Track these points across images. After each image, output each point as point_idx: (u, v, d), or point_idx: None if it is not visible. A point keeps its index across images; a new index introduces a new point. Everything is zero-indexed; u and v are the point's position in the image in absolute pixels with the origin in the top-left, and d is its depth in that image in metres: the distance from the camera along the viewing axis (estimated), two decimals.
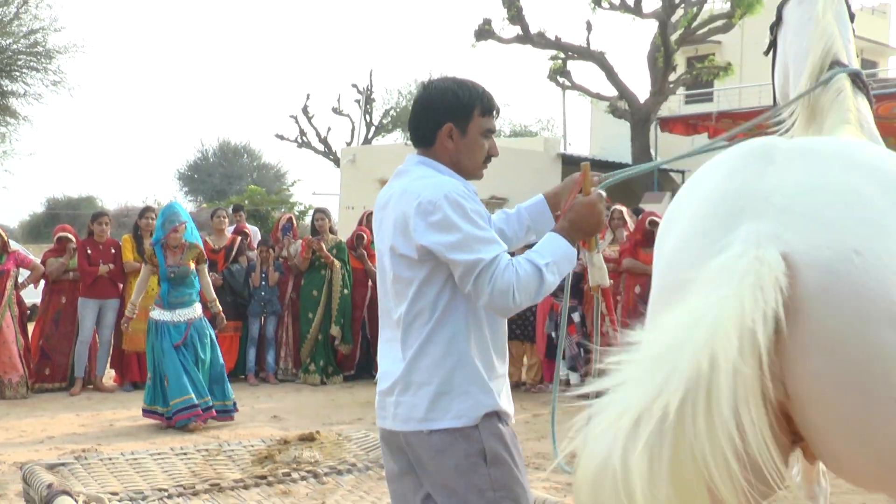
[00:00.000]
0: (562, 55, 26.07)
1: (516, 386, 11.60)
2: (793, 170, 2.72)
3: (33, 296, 11.85)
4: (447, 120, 3.32)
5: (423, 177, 3.27)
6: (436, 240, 3.07)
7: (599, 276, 3.63)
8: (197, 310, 9.36)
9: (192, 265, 9.30)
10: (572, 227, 3.23)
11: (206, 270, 9.73)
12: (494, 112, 3.43)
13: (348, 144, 40.62)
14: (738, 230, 2.57)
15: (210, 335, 9.45)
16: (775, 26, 4.35)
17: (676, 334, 2.44)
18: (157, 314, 9.21)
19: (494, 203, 25.96)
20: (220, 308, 9.70)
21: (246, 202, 33.78)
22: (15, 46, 23.44)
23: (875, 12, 36.76)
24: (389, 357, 3.26)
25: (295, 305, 12.16)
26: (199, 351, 9.23)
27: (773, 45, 4.39)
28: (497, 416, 3.17)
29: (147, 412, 9.20)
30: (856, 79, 3.67)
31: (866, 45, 35.47)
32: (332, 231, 12.37)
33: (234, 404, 9.51)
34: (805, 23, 3.94)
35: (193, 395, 8.95)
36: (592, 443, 2.46)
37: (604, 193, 3.44)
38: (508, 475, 3.14)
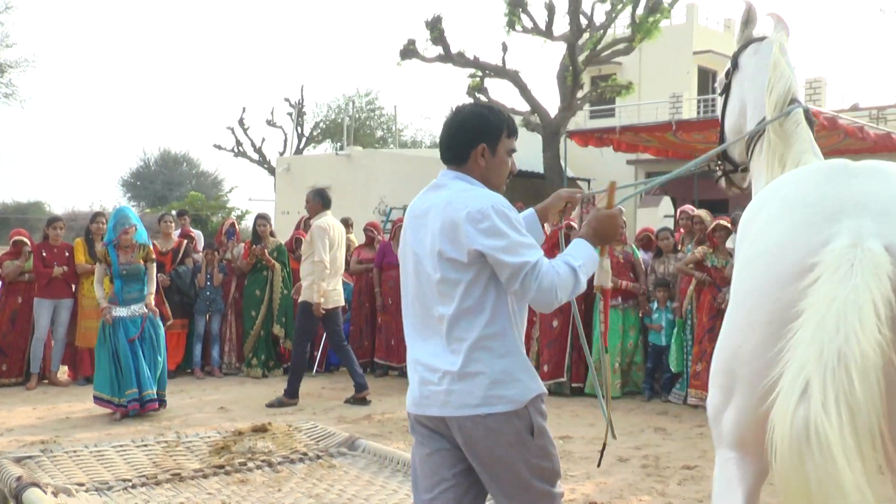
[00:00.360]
0: (479, 73, 26.16)
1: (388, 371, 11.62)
2: (876, 182, 2.97)
3: None
4: (480, 141, 3.45)
5: (464, 190, 3.38)
6: (488, 244, 3.20)
7: (604, 278, 3.74)
8: (150, 303, 9.30)
9: (142, 263, 9.23)
10: (595, 234, 3.45)
11: (154, 269, 9.64)
12: (515, 134, 3.61)
13: (281, 154, 40.36)
14: (841, 224, 2.79)
15: (160, 330, 9.39)
16: (731, 72, 4.50)
17: (825, 317, 2.63)
18: (116, 311, 9.06)
19: None
20: (153, 303, 9.47)
21: (187, 207, 33.48)
22: None
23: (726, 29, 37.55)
24: (430, 351, 3.37)
25: (238, 304, 12.06)
26: (155, 343, 9.21)
27: (727, 87, 4.55)
28: (539, 396, 3.36)
29: (100, 401, 9.07)
30: (806, 114, 3.98)
31: (719, 58, 36.27)
32: (272, 235, 12.31)
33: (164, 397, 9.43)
34: (763, 68, 4.16)
35: (144, 387, 8.92)
36: (782, 413, 2.59)
37: (623, 208, 3.68)
38: (548, 442, 3.37)
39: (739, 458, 3.09)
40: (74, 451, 5.11)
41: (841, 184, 2.99)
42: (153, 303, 9.39)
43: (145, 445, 5.30)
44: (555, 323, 10.19)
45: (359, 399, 9.95)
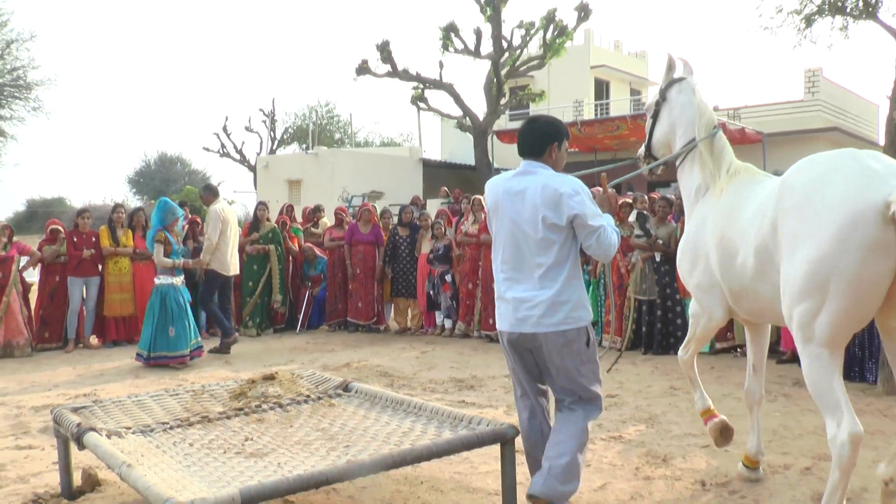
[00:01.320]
0: (421, 86, 26.06)
1: (404, 331, 11.63)
2: (883, 159, 3.64)
3: (31, 276, 11.38)
4: (553, 140, 3.97)
5: (553, 175, 3.91)
6: (580, 211, 3.76)
7: None
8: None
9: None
10: (607, 210, 4.08)
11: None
12: (569, 137, 4.14)
13: (258, 154, 39.96)
14: (893, 182, 3.42)
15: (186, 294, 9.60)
16: (661, 102, 4.99)
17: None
18: (167, 280, 9.18)
19: (374, 195, 25.90)
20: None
21: (185, 199, 33.11)
22: (1, 81, 22.81)
23: (638, 56, 37.90)
24: (524, 289, 3.88)
25: (237, 277, 11.84)
26: (188, 306, 9.45)
27: (656, 113, 5.04)
28: (591, 321, 3.97)
29: (141, 357, 9.12)
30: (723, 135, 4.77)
31: (634, 79, 36.56)
32: (267, 219, 12.17)
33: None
34: (687, 102, 4.81)
35: (198, 340, 9.48)
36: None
37: (613, 190, 4.24)
38: (595, 350, 3.98)
39: (829, 353, 3.59)
40: (120, 401, 5.00)
41: (867, 160, 3.60)
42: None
43: (177, 394, 5.21)
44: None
45: (225, 346, 10.11)
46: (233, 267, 10.41)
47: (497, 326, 4.07)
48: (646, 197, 9.98)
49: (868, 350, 7.30)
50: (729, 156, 4.68)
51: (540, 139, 3.97)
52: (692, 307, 4.82)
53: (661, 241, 9.30)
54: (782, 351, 8.49)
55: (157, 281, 9.29)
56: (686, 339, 4.94)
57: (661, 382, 7.43)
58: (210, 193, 10.41)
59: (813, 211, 3.56)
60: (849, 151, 3.73)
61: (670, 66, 4.91)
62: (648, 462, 4.99)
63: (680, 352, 5.04)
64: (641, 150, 5.21)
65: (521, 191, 3.88)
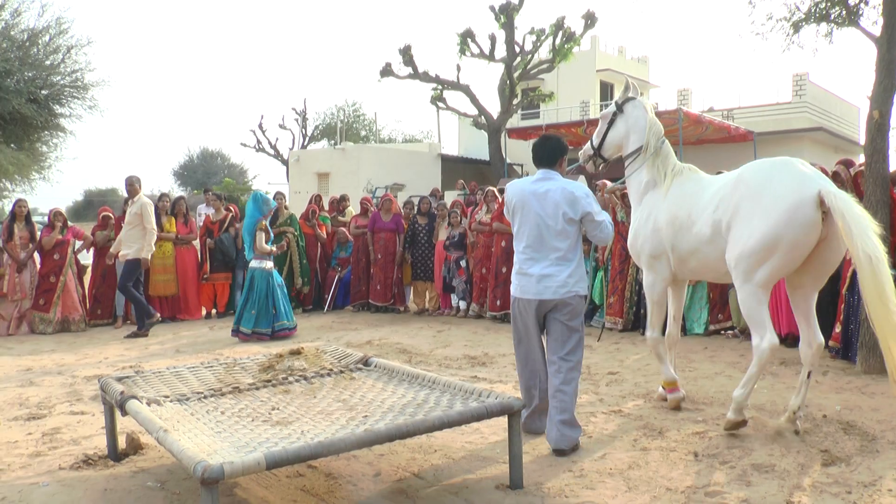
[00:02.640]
0: (440, 87, 25.98)
1: (422, 312, 11.58)
2: (808, 166, 4.77)
3: (85, 258, 11.43)
4: (563, 154, 4.88)
5: (567, 181, 4.74)
6: (590, 209, 4.66)
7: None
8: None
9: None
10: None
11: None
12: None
13: (290, 149, 39.97)
14: (819, 181, 4.58)
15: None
16: (617, 113, 5.69)
17: (856, 207, 4.44)
18: (260, 264, 9.39)
19: (396, 187, 25.86)
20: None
21: (221, 191, 33.24)
22: (62, 82, 23.18)
23: (640, 61, 37.56)
24: (544, 266, 4.65)
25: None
26: (281, 288, 9.65)
27: (612, 121, 5.72)
28: None
29: (243, 333, 9.28)
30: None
31: (636, 81, 36.27)
32: (286, 208, 12.13)
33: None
34: (640, 116, 5.61)
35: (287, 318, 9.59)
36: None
37: (609, 195, 5.18)
38: (583, 308, 4.78)
39: (762, 291, 4.72)
40: (159, 373, 4.99)
41: (798, 166, 4.72)
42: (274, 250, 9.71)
43: (210, 367, 5.19)
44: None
45: (148, 326, 9.81)
46: (149, 254, 9.89)
47: (517, 295, 4.76)
48: None
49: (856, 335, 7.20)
50: (673, 159, 5.58)
51: (554, 153, 4.81)
52: (645, 280, 5.65)
53: None
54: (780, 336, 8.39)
55: (251, 265, 9.47)
56: (647, 320, 5.70)
57: (658, 362, 7.36)
58: (137, 185, 9.96)
59: (767, 198, 4.61)
60: (786, 159, 4.88)
61: (627, 87, 5.69)
62: (645, 434, 4.93)
63: (647, 333, 5.70)
64: (587, 148, 5.82)
65: (545, 192, 4.66)
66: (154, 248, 9.91)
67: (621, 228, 9.58)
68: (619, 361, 7.36)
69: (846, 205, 4.37)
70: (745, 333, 8.55)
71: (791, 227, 4.49)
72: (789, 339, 8.03)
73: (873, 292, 4.15)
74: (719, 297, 8.94)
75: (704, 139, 25.18)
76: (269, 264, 9.49)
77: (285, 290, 9.80)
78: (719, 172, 5.47)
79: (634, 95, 5.66)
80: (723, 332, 8.83)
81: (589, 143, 5.81)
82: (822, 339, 4.97)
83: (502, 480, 4.08)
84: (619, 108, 5.65)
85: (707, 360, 7.36)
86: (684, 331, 9.03)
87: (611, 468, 4.29)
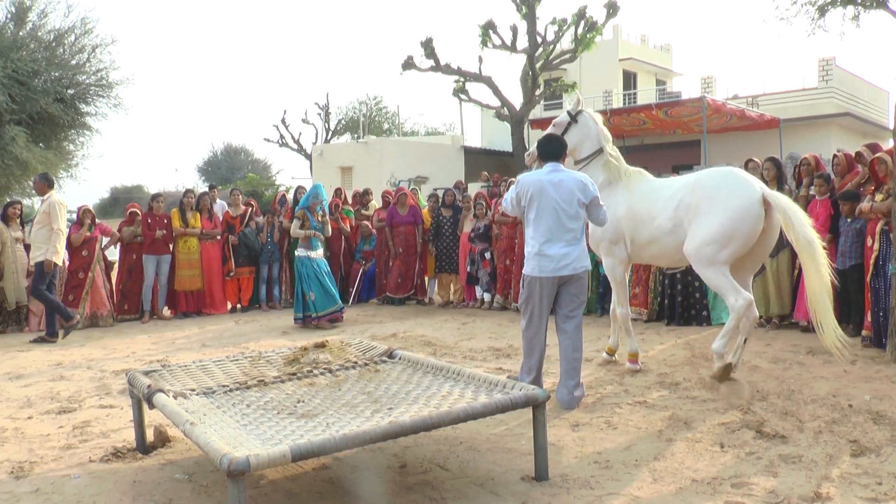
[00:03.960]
0: (462, 79, 25.91)
1: (447, 304, 11.60)
2: (748, 174, 5.98)
3: (112, 254, 11.56)
4: (566, 149, 5.60)
5: (575, 172, 5.48)
6: (596, 195, 5.37)
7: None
8: (321, 251, 10.12)
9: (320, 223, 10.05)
10: None
11: (329, 226, 10.43)
12: None
13: (313, 144, 40.11)
14: (758, 187, 5.75)
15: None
16: (571, 123, 6.48)
17: (793, 206, 5.74)
18: (303, 253, 9.84)
19: (419, 180, 25.89)
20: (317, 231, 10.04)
21: (245, 185, 33.42)
22: (88, 81, 23.52)
23: (663, 49, 37.24)
24: (560, 246, 5.20)
25: (289, 255, 11.89)
26: (329, 275, 10.08)
27: (566, 130, 6.46)
28: None
29: (298, 319, 9.86)
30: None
31: (659, 70, 35.96)
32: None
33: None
34: (594, 126, 6.50)
35: (337, 304, 10.01)
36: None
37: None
38: (588, 281, 5.48)
39: (724, 268, 5.71)
40: (185, 366, 5.03)
41: (743, 174, 5.92)
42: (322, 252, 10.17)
43: (236, 360, 5.22)
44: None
45: (69, 329, 9.36)
46: (60, 257, 9.29)
47: (537, 274, 5.24)
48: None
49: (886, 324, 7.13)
50: (623, 163, 6.52)
51: (559, 149, 5.45)
52: (605, 265, 6.65)
53: None
54: (796, 321, 8.32)
55: (296, 253, 10.00)
56: (614, 300, 6.73)
57: (683, 351, 7.30)
58: (45, 183, 9.40)
59: (723, 198, 5.70)
60: (732, 168, 6.09)
61: (578, 102, 6.57)
62: (671, 425, 4.90)
63: (617, 310, 6.68)
64: (534, 149, 6.03)
65: (559, 181, 5.21)
66: (61, 251, 9.26)
67: None
68: (643, 352, 7.31)
69: (786, 202, 5.66)
70: (770, 322, 8.47)
71: (744, 220, 5.63)
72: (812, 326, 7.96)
73: (813, 269, 5.44)
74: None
75: (729, 127, 24.92)
76: (311, 252, 9.84)
77: (332, 277, 10.14)
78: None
79: (583, 109, 6.54)
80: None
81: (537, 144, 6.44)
82: (756, 312, 5.96)
83: (528, 472, 4.07)
84: (573, 118, 6.48)
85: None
86: (711, 321, 8.96)
87: (636, 459, 4.27)
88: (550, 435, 4.36)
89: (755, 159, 9.13)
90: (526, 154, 6.42)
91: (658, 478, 3.98)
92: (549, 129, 6.42)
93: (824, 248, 5.55)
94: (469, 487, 3.91)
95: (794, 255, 8.37)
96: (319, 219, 9.98)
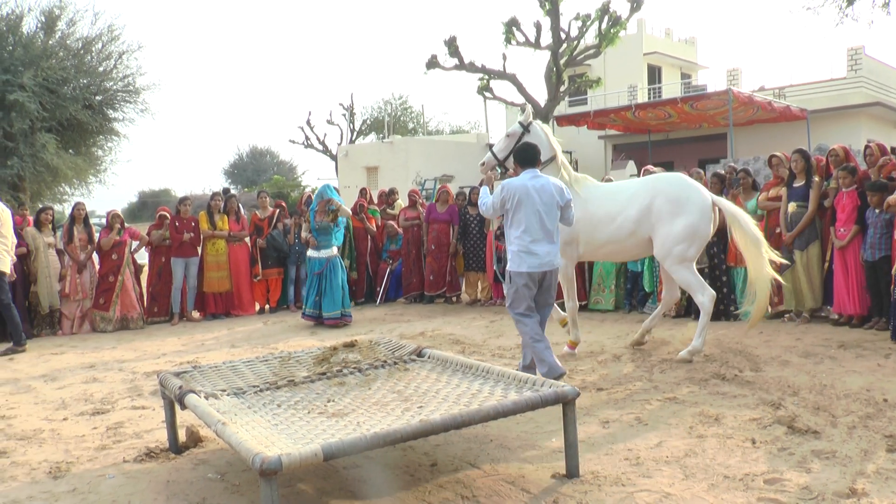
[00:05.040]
0: (486, 77, 25.89)
1: (475, 302, 11.60)
2: (693, 179, 6.94)
3: (142, 258, 11.68)
4: (539, 156, 5.90)
5: (551, 177, 5.85)
6: (570, 197, 5.84)
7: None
8: (334, 251, 10.09)
9: (331, 223, 10.06)
10: None
11: (344, 226, 10.58)
12: None
13: (339, 144, 40.25)
14: (705, 191, 6.71)
15: (340, 266, 10.20)
16: (524, 132, 6.79)
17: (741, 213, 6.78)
18: (310, 253, 10.11)
19: (445, 179, 25.90)
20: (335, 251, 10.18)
21: (271, 187, 33.62)
22: (115, 87, 23.92)
23: (688, 42, 36.92)
24: (543, 244, 5.61)
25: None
26: (332, 278, 10.00)
27: (520, 137, 6.74)
28: None
29: (305, 315, 10.13)
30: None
31: (684, 63, 35.66)
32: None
33: (350, 314, 10.24)
34: (545, 136, 6.84)
35: (339, 310, 9.98)
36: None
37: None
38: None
39: (691, 264, 6.65)
40: (216, 367, 5.08)
41: (693, 181, 6.81)
42: (336, 251, 10.16)
43: (266, 361, 5.26)
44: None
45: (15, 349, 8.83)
46: (8, 265, 8.74)
47: (528, 269, 5.60)
48: (700, 172, 9.66)
49: None
50: (571, 169, 6.97)
51: (535, 157, 5.81)
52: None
53: None
54: (830, 315, 8.22)
55: (308, 253, 10.24)
56: (565, 293, 7.14)
57: (712, 347, 7.25)
58: None
59: (687, 201, 6.55)
60: (681, 174, 7.04)
61: (528, 113, 6.92)
62: (701, 421, 4.87)
63: (567, 303, 7.12)
64: (491, 158, 6.77)
65: (542, 186, 5.64)
66: (11, 258, 8.80)
67: None
68: (673, 349, 7.26)
69: (731, 205, 6.83)
70: (801, 316, 8.37)
71: (705, 220, 6.57)
72: (854, 320, 7.87)
73: (759, 261, 6.56)
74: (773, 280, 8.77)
75: (755, 120, 24.68)
76: (316, 253, 10.02)
77: (340, 280, 10.05)
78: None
79: (532, 120, 6.87)
80: (780, 316, 8.64)
81: (491, 153, 6.85)
82: (678, 295, 7.39)
83: (558, 469, 4.07)
84: (526, 128, 6.81)
85: (763, 345, 7.23)
86: (739, 316, 8.88)
87: (667, 456, 4.25)
88: (581, 431, 4.35)
89: (778, 154, 9.01)
90: (481, 163, 6.80)
91: (689, 474, 3.95)
92: (503, 138, 6.88)
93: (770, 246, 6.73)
94: (500, 485, 3.92)
95: (823, 248, 8.29)
96: (327, 219, 10.02)
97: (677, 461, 4.15)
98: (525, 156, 5.79)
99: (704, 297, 6.50)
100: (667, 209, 6.51)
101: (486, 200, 5.91)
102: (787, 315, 8.56)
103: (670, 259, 6.57)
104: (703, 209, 6.53)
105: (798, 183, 8.35)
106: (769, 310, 6.62)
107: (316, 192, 10.50)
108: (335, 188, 10.58)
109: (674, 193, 6.57)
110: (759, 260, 6.52)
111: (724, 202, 6.77)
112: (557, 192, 5.68)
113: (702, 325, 6.57)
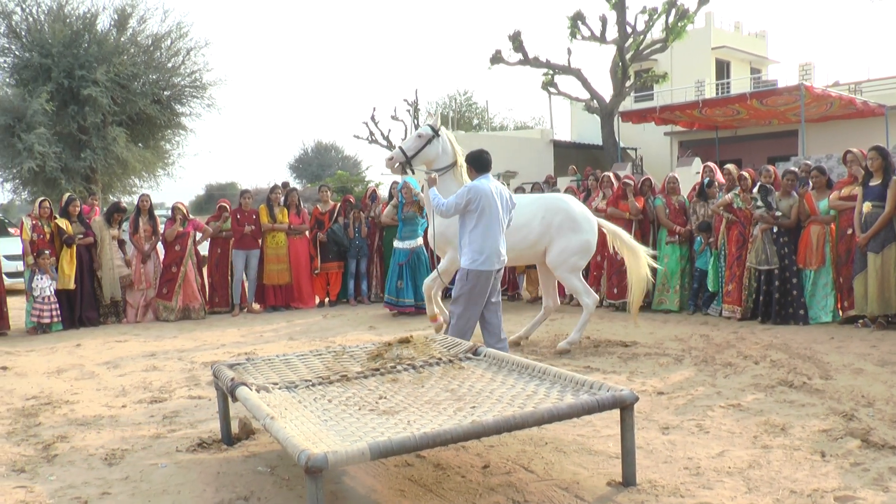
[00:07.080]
0: (550, 72, 25.65)
1: (535, 300, 11.44)
2: (575, 199, 7.99)
3: (204, 249, 11.86)
4: (490, 164, 6.18)
5: (499, 183, 6.21)
6: (514, 204, 6.28)
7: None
8: (419, 241, 10.41)
9: (418, 213, 10.41)
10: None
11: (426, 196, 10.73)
12: None
13: (403, 140, 40.34)
14: (580, 205, 7.85)
15: (425, 257, 10.53)
16: (434, 136, 6.96)
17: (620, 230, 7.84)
18: (397, 244, 10.48)
19: (509, 175, 25.72)
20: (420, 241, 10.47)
21: (335, 182, 33.96)
22: (183, 83, 24.55)
23: (758, 36, 35.98)
24: (502, 243, 5.98)
25: (381, 250, 11.93)
26: (417, 267, 10.36)
27: (429, 140, 6.94)
28: None
29: (386, 303, 10.55)
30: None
31: (753, 58, 34.73)
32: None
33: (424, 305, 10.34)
34: (449, 142, 7.05)
35: (406, 299, 10.29)
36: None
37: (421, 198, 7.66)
38: None
39: (580, 272, 7.63)
40: (269, 360, 5.06)
41: (572, 199, 7.82)
42: (420, 241, 10.45)
43: (319, 355, 5.22)
44: (618, 256, 9.78)
45: None
46: None
47: (489, 268, 5.90)
48: (770, 169, 9.34)
49: None
50: (467, 178, 6.70)
51: (489, 163, 6.12)
52: (443, 264, 7.26)
53: (780, 214, 8.74)
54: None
55: (394, 244, 10.57)
56: (437, 271, 7.30)
57: (780, 353, 6.96)
58: None
59: (582, 219, 7.53)
60: (570, 196, 8.26)
61: (438, 118, 7.17)
62: (767, 431, 4.64)
63: (426, 281, 7.45)
64: (399, 155, 6.89)
65: (499, 191, 6.04)
66: None
67: (738, 214, 9.17)
68: (737, 352, 7.01)
69: (611, 225, 7.86)
70: (875, 323, 8.00)
71: (593, 236, 7.58)
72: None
73: (636, 267, 7.48)
74: (845, 284, 8.41)
75: (829, 116, 23.91)
76: (401, 244, 10.40)
77: (424, 271, 10.24)
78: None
79: (440, 125, 7.11)
80: (858, 322, 8.25)
81: (400, 151, 6.95)
82: (559, 303, 8.14)
83: (614, 476, 3.92)
84: (436, 132, 7.01)
85: (834, 351, 6.92)
86: (809, 320, 8.54)
87: (729, 467, 4.05)
88: (638, 438, 4.19)
89: (853, 150, 8.63)
90: (387, 158, 7.02)
91: (753, 487, 3.75)
92: (414, 138, 7.03)
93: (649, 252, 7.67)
94: (553, 491, 3.79)
95: None
96: (413, 209, 10.38)
97: (740, 473, 3.96)
98: (480, 162, 6.09)
99: (589, 299, 7.49)
100: (567, 224, 7.41)
101: (445, 201, 6.08)
102: (860, 321, 8.19)
103: (564, 267, 7.42)
104: (594, 228, 7.59)
105: (875, 182, 7.97)
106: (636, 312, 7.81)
107: (398, 185, 10.85)
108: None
109: (573, 211, 7.52)
110: (637, 262, 7.48)
111: (605, 223, 7.84)
112: (509, 197, 6.14)
113: (583, 321, 7.58)
